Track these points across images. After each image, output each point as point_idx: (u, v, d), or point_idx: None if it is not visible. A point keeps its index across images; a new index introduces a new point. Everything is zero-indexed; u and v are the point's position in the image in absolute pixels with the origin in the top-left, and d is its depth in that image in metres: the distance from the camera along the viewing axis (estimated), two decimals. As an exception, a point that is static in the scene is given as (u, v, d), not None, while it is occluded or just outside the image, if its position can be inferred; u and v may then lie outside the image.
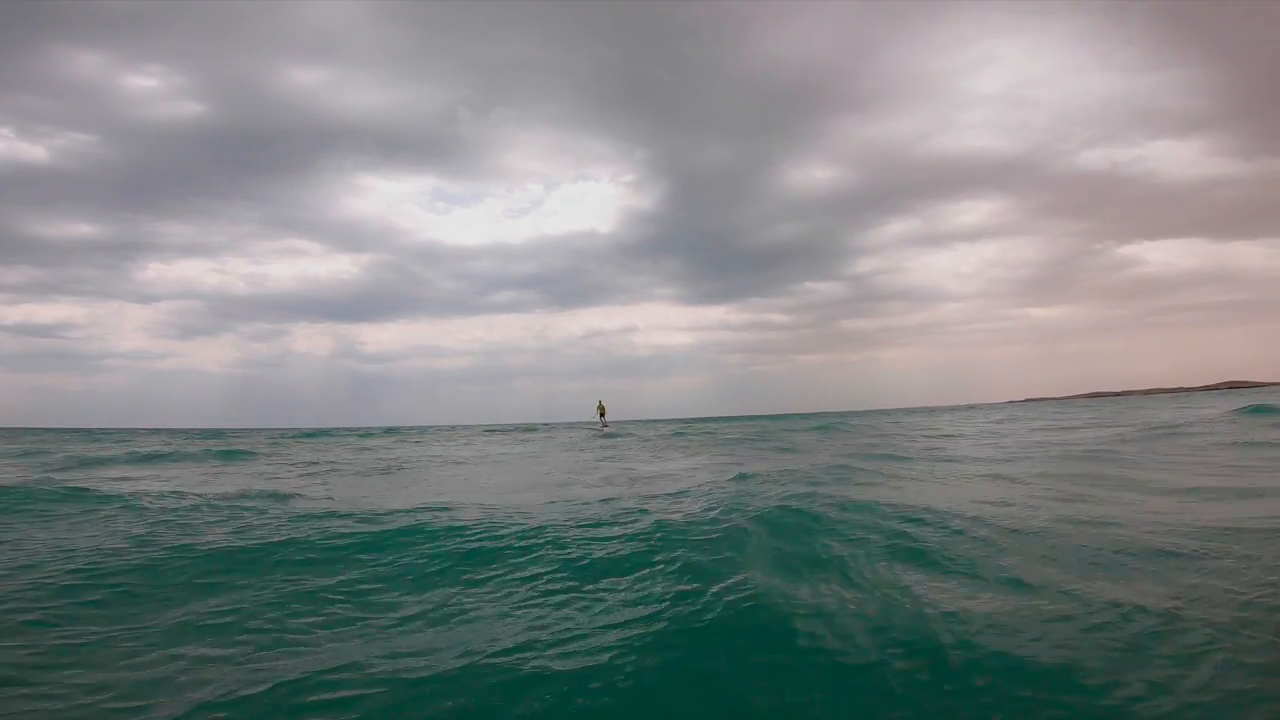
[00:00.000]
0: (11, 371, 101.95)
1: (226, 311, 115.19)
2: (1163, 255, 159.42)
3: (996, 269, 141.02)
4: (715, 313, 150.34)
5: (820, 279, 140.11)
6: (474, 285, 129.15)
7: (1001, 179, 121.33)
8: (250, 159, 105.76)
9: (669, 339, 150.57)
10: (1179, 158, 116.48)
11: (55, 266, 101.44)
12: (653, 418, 64.52)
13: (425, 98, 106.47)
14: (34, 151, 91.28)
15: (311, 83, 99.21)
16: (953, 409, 49.55)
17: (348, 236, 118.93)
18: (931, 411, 45.43)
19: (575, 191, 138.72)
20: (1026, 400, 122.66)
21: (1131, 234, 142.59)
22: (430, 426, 62.02)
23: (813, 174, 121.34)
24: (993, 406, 59.64)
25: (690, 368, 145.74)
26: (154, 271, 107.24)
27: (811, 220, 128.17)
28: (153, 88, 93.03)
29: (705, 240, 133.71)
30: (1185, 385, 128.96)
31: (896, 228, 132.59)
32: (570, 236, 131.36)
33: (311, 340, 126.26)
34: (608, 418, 32.56)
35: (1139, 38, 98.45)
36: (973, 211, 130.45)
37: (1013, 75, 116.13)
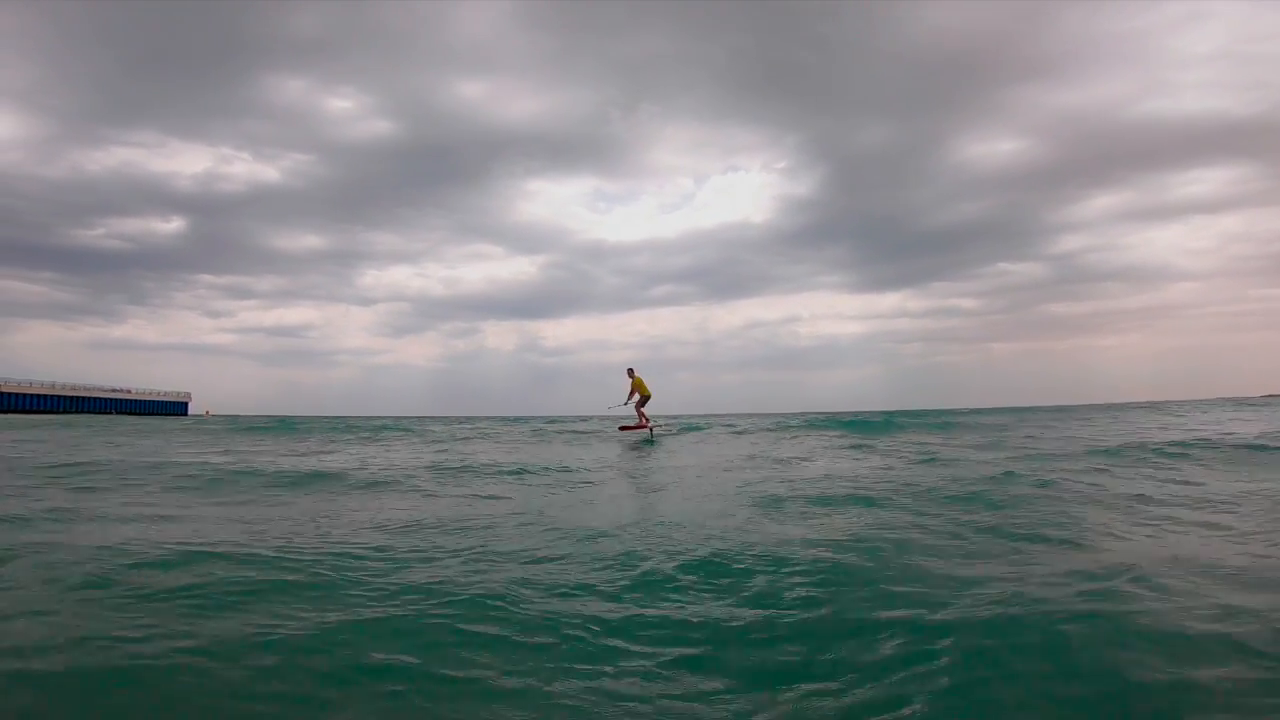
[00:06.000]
0: (267, 367, 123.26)
1: (429, 312, 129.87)
2: None
3: (1241, 244, 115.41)
4: (890, 300, 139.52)
5: (1015, 259, 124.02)
6: (635, 280, 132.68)
7: (1239, 143, 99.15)
8: (436, 170, 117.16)
9: (837, 328, 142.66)
10: None
11: (295, 275, 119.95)
12: (819, 410, 61.59)
13: (576, 100, 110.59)
14: (268, 172, 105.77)
15: (476, 94, 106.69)
16: (1190, 405, 41.04)
17: (524, 239, 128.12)
18: (1158, 406, 37.85)
19: (725, 183, 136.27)
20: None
21: None
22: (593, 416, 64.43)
23: (996, 147, 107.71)
24: (1250, 402, 48.70)
25: (861, 358, 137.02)
26: (370, 278, 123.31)
27: (999, 196, 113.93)
28: (348, 108, 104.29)
29: (873, 224, 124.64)
30: None
31: (1105, 201, 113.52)
32: (723, 228, 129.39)
33: (500, 336, 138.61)
34: (647, 409, 16.31)
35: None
36: (1205, 181, 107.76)
37: (1230, 32, 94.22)
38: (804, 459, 10.59)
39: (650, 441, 15.29)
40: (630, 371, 15.97)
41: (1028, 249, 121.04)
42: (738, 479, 7.90)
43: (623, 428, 16.97)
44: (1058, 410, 40.78)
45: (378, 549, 4.20)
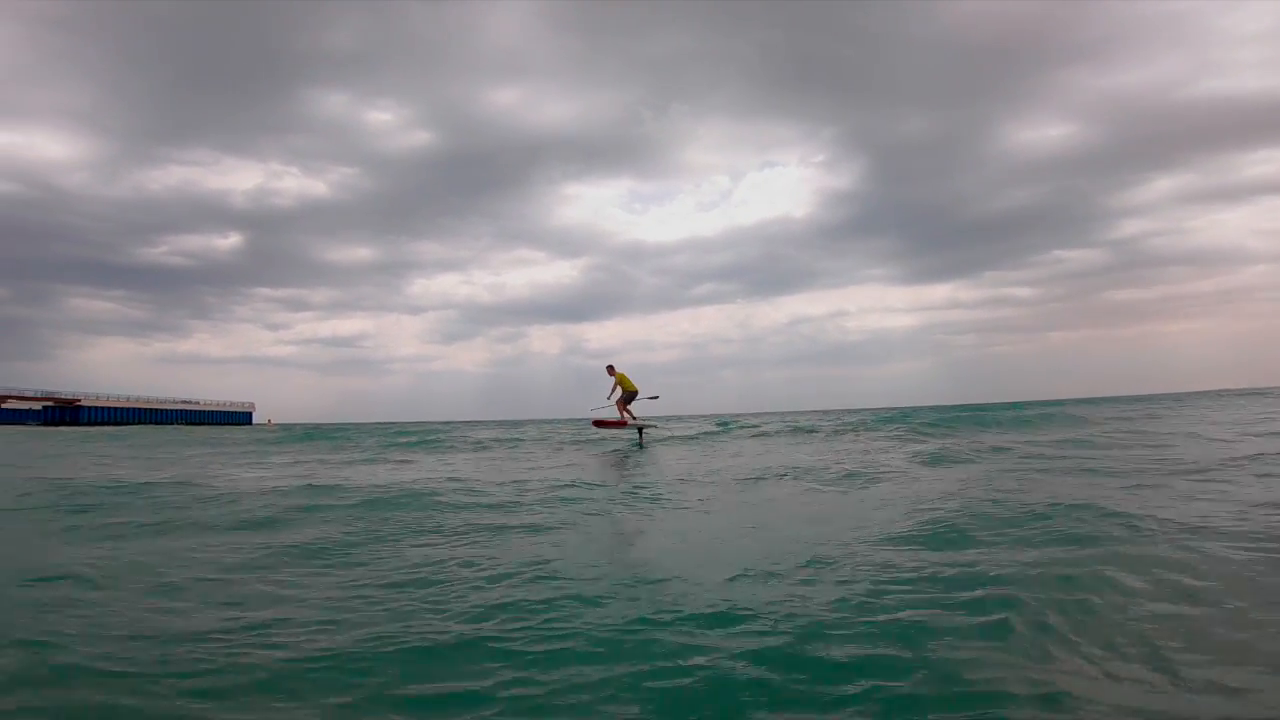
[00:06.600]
0: (325, 376, 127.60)
1: (476, 318, 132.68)
2: None
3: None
4: (941, 291, 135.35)
5: (1072, 246, 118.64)
6: (676, 280, 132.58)
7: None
8: (477, 178, 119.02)
9: (886, 321, 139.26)
10: None
11: (348, 287, 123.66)
12: (872, 406, 60.26)
13: (608, 102, 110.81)
14: (317, 186, 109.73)
15: (510, 101, 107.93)
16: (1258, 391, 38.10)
17: (565, 243, 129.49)
18: (1258, 392, 35.24)
19: (762, 179, 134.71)
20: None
21: None
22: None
23: (1045, 133, 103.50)
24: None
25: (912, 351, 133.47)
26: (419, 286, 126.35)
27: (1052, 182, 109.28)
28: (388, 120, 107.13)
29: (919, 214, 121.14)
30: None
31: (1166, 184, 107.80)
32: (763, 224, 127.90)
33: (545, 340, 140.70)
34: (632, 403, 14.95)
35: None
36: (1274, 160, 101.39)
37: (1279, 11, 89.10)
38: (917, 469, 9.50)
39: (640, 446, 14.21)
40: (610, 369, 14.73)
41: (1085, 235, 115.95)
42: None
43: (598, 423, 15.24)
44: (1136, 400, 38.67)
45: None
